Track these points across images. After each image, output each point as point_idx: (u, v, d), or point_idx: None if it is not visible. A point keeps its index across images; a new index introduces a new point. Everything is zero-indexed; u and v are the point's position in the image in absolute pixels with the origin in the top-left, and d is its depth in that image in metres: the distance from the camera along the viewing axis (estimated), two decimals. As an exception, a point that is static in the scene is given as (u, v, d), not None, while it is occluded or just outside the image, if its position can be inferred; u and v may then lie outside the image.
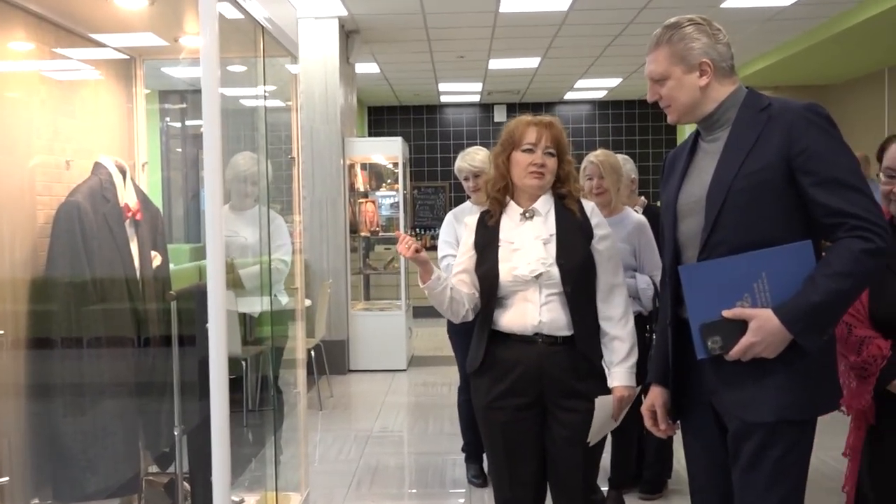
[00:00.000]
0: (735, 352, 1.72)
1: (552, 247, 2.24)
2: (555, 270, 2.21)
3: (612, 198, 3.28)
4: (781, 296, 1.70)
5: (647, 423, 1.99)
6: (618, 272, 2.34)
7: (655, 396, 1.96)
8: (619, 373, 2.27)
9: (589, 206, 2.35)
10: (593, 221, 2.31)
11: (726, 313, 1.72)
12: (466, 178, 3.64)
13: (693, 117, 1.88)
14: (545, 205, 2.30)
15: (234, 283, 3.65)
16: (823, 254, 1.77)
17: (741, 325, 1.71)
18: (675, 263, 1.88)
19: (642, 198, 3.68)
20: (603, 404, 2.25)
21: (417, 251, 2.19)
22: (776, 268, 1.71)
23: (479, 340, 2.32)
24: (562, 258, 2.23)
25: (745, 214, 1.75)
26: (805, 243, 1.72)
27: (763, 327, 1.69)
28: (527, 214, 2.30)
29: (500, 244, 2.28)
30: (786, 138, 1.72)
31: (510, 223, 2.31)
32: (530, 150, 2.27)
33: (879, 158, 2.16)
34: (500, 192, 2.32)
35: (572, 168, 2.35)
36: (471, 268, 2.32)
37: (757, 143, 1.75)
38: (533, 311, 2.22)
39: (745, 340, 1.70)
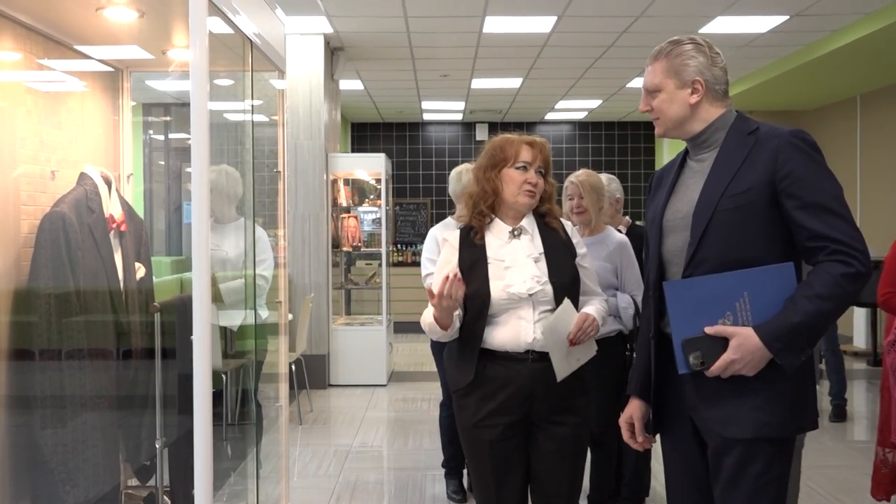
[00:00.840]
0: (715, 368, 1.76)
1: (543, 265, 2.26)
2: (549, 288, 2.23)
3: (593, 217, 3.33)
4: (762, 315, 1.75)
5: (625, 435, 2.02)
6: (598, 285, 2.42)
7: (634, 409, 1.99)
8: (591, 309, 2.28)
9: (568, 225, 2.39)
10: (574, 240, 2.36)
11: (708, 330, 1.77)
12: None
13: (679, 133, 1.93)
14: (530, 223, 2.32)
15: (214, 297, 3.64)
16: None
17: (723, 342, 1.76)
18: (659, 278, 1.93)
19: (627, 217, 3.74)
20: (567, 308, 2.20)
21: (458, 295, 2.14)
22: (758, 287, 1.76)
23: (465, 359, 2.27)
24: (553, 276, 2.25)
25: (730, 233, 1.80)
26: (787, 265, 1.77)
27: (743, 345, 1.74)
28: (515, 232, 2.30)
29: (489, 262, 2.26)
30: (772, 162, 1.77)
31: (497, 241, 2.29)
32: (524, 169, 2.28)
33: None
34: (490, 208, 2.31)
35: (554, 188, 2.38)
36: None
37: (743, 165, 1.81)
38: (527, 328, 2.22)
39: (725, 357, 1.75)
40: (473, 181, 2.37)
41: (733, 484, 1.80)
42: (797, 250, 1.80)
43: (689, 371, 1.80)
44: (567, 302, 2.21)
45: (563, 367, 2.21)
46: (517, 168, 2.28)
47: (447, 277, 2.14)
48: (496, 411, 2.24)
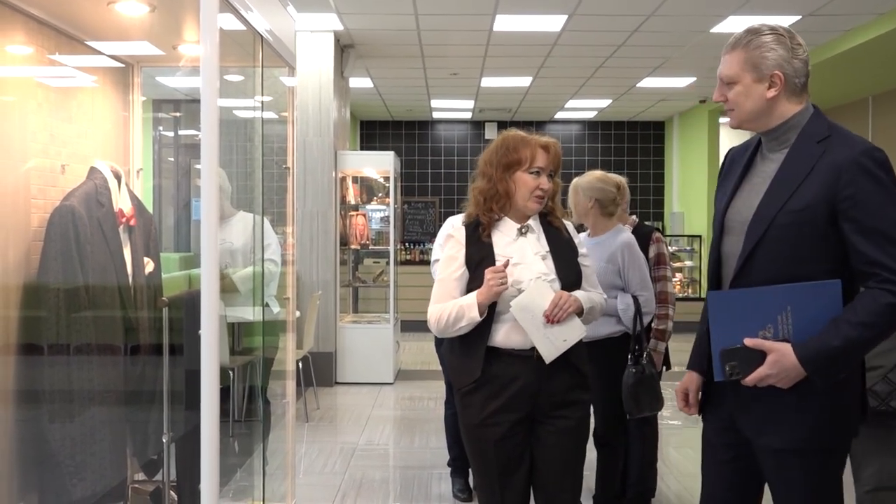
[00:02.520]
0: (750, 380, 1.78)
1: (550, 262, 2.28)
2: (557, 285, 2.24)
3: (573, 218, 3.26)
4: (803, 331, 1.75)
5: (679, 404, 2.04)
6: (597, 284, 2.44)
7: (691, 381, 2.02)
8: (578, 292, 2.27)
9: (568, 224, 2.42)
10: (575, 240, 2.38)
11: (748, 342, 1.78)
12: None
13: (754, 126, 1.89)
14: (535, 222, 2.34)
15: (230, 288, 3.65)
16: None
17: (760, 355, 1.77)
18: (716, 272, 1.94)
19: (633, 217, 3.70)
20: (540, 286, 2.20)
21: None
22: (802, 303, 1.75)
23: (471, 357, 2.27)
24: (561, 273, 2.26)
25: (782, 248, 1.78)
26: (835, 283, 1.75)
27: (780, 361, 1.74)
28: (522, 230, 2.30)
29: (497, 260, 2.25)
30: (835, 181, 1.73)
31: (505, 238, 2.30)
32: (538, 174, 2.26)
33: None
34: (500, 209, 2.29)
35: (559, 188, 2.37)
36: (464, 285, 2.28)
37: (807, 179, 1.76)
38: None
39: (760, 371, 1.76)
40: (483, 176, 2.32)
41: (782, 489, 1.84)
42: (850, 271, 1.76)
43: (724, 379, 1.82)
44: (539, 281, 2.21)
45: (547, 348, 2.20)
46: (531, 173, 2.26)
47: (507, 262, 2.19)
48: (502, 409, 2.24)
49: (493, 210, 2.29)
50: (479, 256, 2.27)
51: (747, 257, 1.81)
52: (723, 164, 2.06)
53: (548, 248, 2.29)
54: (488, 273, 2.19)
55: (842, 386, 1.79)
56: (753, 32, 1.83)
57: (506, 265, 2.20)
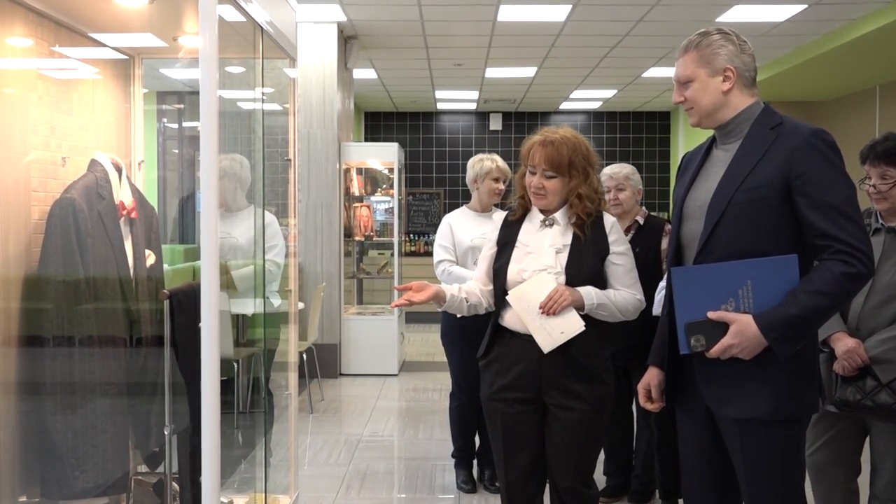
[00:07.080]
0: (714, 351, 1.86)
1: (564, 256, 2.34)
2: (562, 279, 2.31)
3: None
4: (763, 303, 1.84)
5: (641, 399, 2.12)
6: (635, 286, 2.40)
7: (652, 376, 2.10)
8: (590, 288, 2.31)
9: (609, 221, 2.42)
10: (611, 238, 2.38)
11: (711, 315, 1.86)
12: (497, 180, 3.70)
13: (712, 122, 1.99)
14: (565, 216, 2.40)
15: (227, 285, 3.65)
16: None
17: (723, 327, 1.85)
18: (676, 259, 2.02)
19: (643, 208, 3.68)
20: (542, 279, 2.29)
21: (418, 299, 2.27)
22: (761, 277, 1.84)
23: (488, 332, 2.45)
24: (570, 268, 2.32)
25: (741, 226, 1.87)
26: (791, 257, 1.84)
27: (742, 332, 1.83)
28: (547, 222, 2.41)
29: (516, 245, 2.40)
30: (788, 160, 1.84)
31: (531, 227, 2.43)
32: (533, 172, 2.39)
33: None
34: (521, 206, 2.46)
35: (587, 185, 2.37)
36: (491, 263, 2.46)
37: (762, 160, 1.87)
38: None
39: (724, 341, 1.84)
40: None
41: (743, 461, 1.89)
42: (804, 246, 1.86)
43: (689, 352, 1.90)
44: (544, 275, 2.30)
45: (543, 339, 2.27)
46: (530, 171, 2.41)
47: (411, 288, 2.30)
48: (507, 387, 2.37)
49: (525, 200, 2.45)
50: (504, 240, 2.44)
51: (709, 236, 1.90)
52: (679, 165, 2.16)
53: (567, 243, 2.35)
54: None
55: (800, 360, 1.87)
56: (703, 35, 1.98)
57: (409, 288, 2.30)
